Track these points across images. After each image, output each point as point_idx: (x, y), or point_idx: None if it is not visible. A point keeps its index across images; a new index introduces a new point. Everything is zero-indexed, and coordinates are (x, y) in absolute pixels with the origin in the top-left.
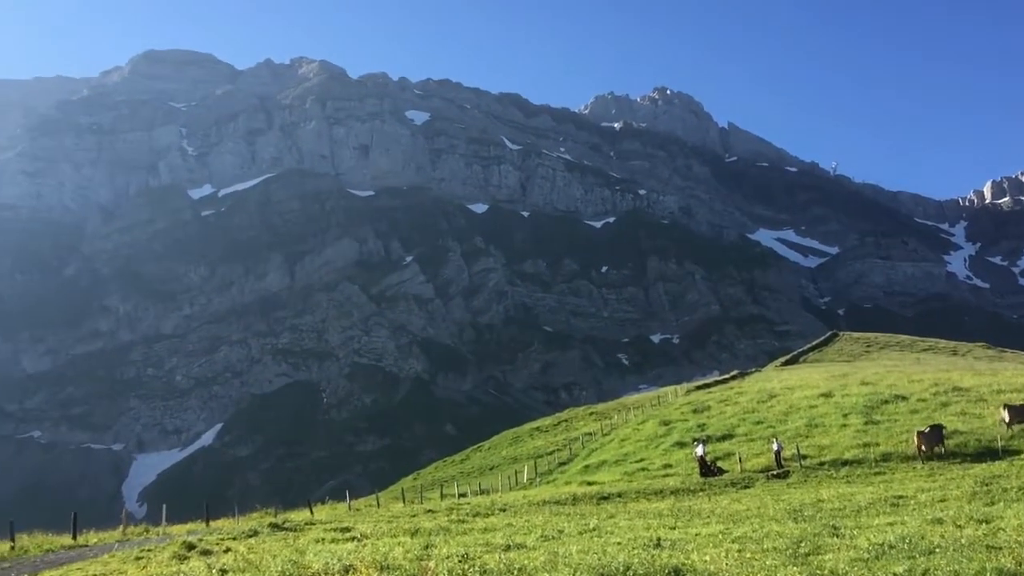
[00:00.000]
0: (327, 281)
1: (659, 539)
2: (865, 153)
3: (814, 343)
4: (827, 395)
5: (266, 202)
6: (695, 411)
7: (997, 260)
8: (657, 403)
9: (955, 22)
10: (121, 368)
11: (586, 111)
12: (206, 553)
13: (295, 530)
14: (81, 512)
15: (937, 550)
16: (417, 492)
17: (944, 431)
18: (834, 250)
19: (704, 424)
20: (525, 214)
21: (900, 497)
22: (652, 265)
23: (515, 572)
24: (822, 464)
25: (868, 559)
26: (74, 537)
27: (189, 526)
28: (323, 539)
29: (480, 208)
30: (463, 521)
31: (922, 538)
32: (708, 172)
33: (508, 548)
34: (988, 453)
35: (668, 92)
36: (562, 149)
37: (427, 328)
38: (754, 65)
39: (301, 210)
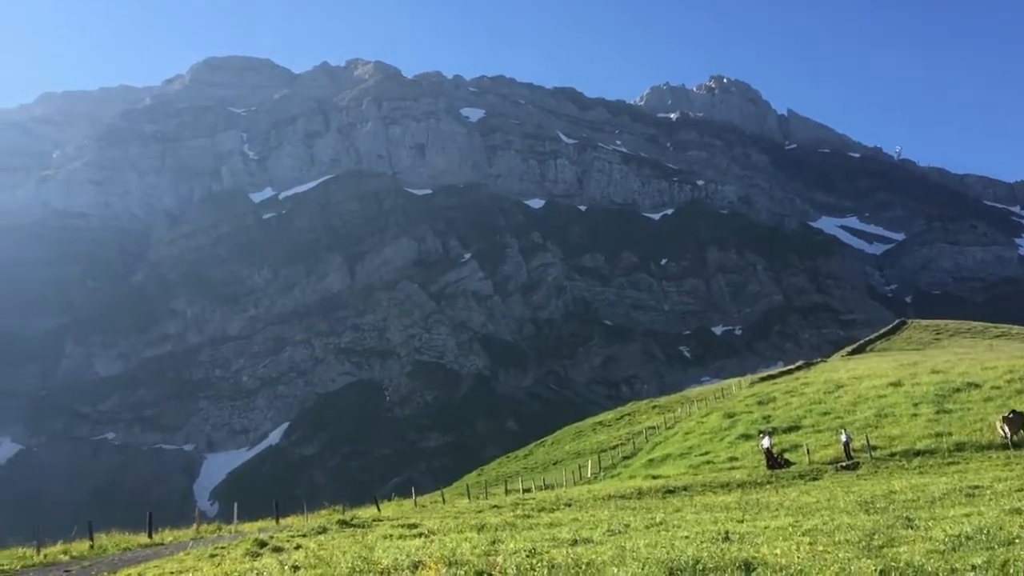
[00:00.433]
0: (387, 280)
1: (727, 532)
2: (930, 136)
3: (881, 331)
4: (896, 384)
5: (325, 203)
6: (760, 403)
7: None
8: (721, 395)
9: None
10: (190, 370)
11: (642, 103)
12: (278, 550)
13: (363, 527)
14: (155, 511)
15: (1016, 541)
16: (481, 488)
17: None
18: (900, 236)
19: (769, 416)
20: (582, 208)
21: (976, 487)
22: (712, 256)
23: (583, 567)
24: (893, 455)
25: (944, 551)
26: (150, 535)
27: (260, 524)
28: (391, 535)
29: (537, 203)
30: (528, 516)
31: (1000, 528)
32: (767, 160)
33: (575, 543)
34: None
35: (725, 80)
36: (618, 142)
37: (487, 325)
38: (813, 50)
39: (360, 210)
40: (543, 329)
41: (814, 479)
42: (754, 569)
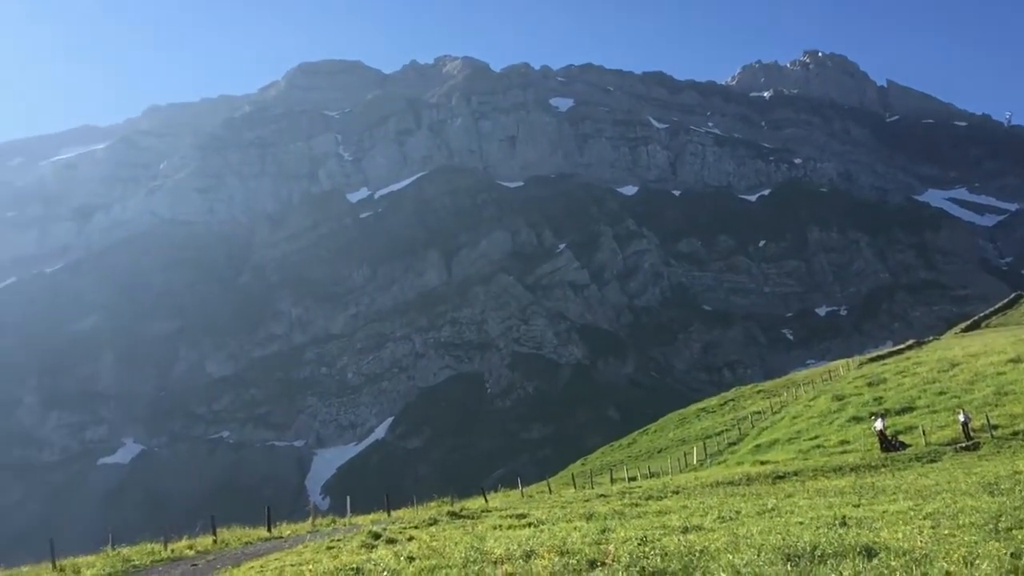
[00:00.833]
0: (483, 274)
1: (844, 517)
2: None
3: (997, 306)
4: (1016, 361)
5: (420, 200)
6: (870, 384)
7: None
8: (828, 378)
9: None
10: (296, 369)
11: (733, 82)
12: (391, 542)
13: (472, 518)
14: (269, 506)
15: None
16: (587, 477)
17: None
18: (1013, 206)
19: (881, 397)
20: (676, 193)
21: None
22: (813, 235)
23: (696, 554)
24: (1015, 434)
25: None
26: (269, 529)
27: (372, 516)
28: (500, 526)
29: (630, 190)
30: (636, 504)
31: None
32: (868, 134)
33: (686, 530)
34: None
35: (819, 55)
36: (711, 124)
37: (584, 314)
38: (911, 17)
39: (453, 205)
40: (641, 316)
41: (932, 461)
42: (876, 554)
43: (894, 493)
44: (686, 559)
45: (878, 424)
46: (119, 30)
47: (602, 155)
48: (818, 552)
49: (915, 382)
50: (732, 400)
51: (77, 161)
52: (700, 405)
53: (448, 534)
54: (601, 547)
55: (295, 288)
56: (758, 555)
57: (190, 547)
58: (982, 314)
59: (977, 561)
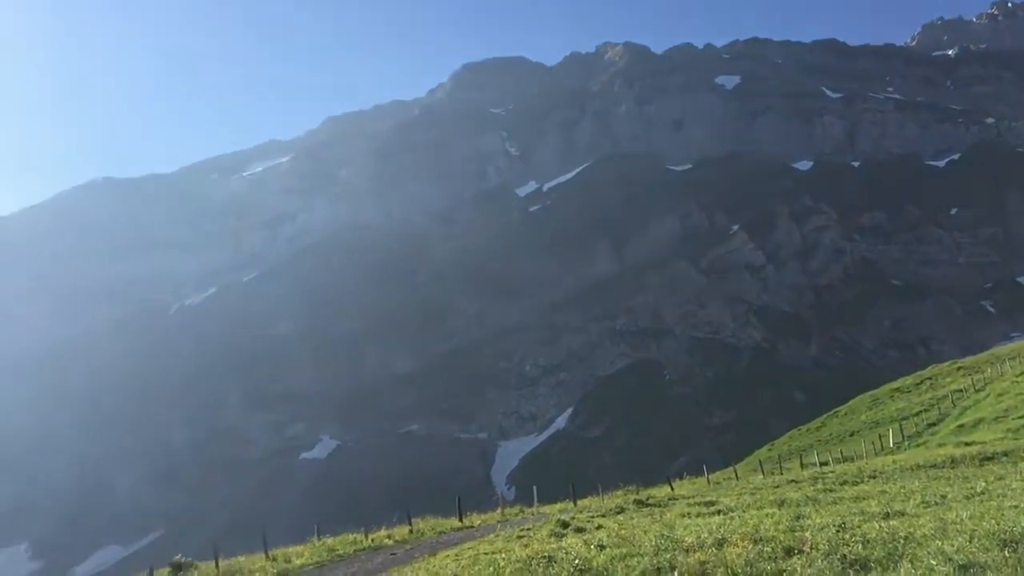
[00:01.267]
0: (655, 260)
1: None
2: None
3: None
4: None
5: (588, 190)
6: None
7: None
8: None
9: None
10: (477, 362)
11: (913, 43)
12: (580, 530)
13: (659, 505)
14: (458, 496)
15: None
16: (774, 463)
17: None
18: None
19: None
20: (855, 164)
21: None
22: (1011, 199)
23: (901, 541)
24: None
25: None
26: (460, 519)
27: (559, 506)
28: (688, 513)
29: (804, 165)
30: (831, 490)
31: None
32: None
33: (887, 516)
34: None
35: (1009, 5)
36: (890, 89)
37: (762, 295)
38: None
39: (621, 193)
40: (822, 295)
41: None
42: None
43: None
44: (890, 546)
45: None
46: (297, 49)
47: (773, 131)
48: None
49: None
50: (929, 378)
51: (264, 175)
52: (893, 385)
53: (636, 522)
54: (796, 534)
55: (471, 284)
56: (970, 541)
57: (388, 536)
58: None
59: None
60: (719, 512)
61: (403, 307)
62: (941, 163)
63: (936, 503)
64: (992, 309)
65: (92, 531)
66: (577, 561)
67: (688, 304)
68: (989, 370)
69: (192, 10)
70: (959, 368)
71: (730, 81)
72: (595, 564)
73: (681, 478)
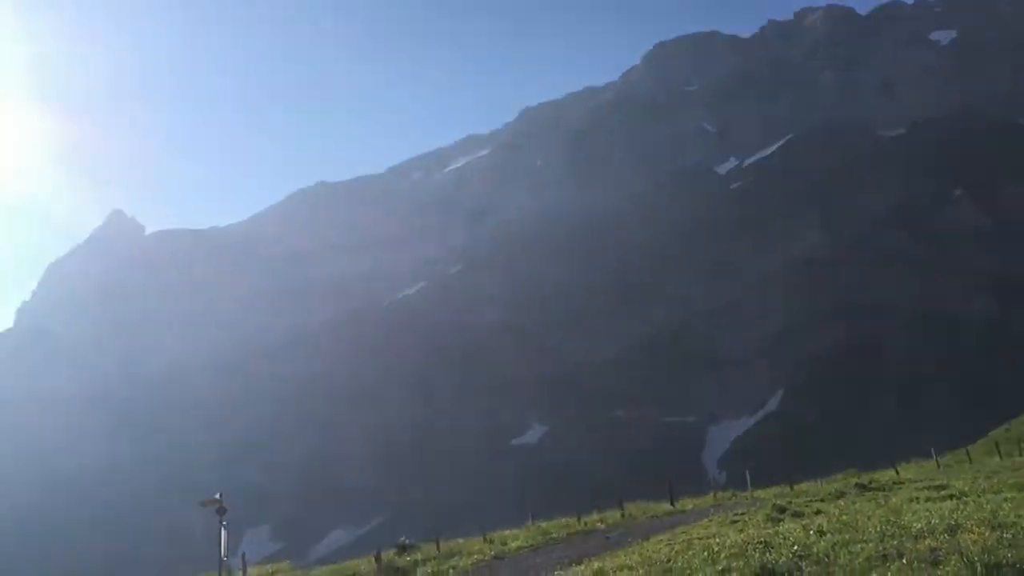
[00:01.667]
0: (869, 232)
1: None
2: None
3: None
4: None
5: (792, 163)
6: None
7: None
8: None
9: None
10: (683, 345)
11: None
12: (797, 515)
13: (883, 490)
14: (667, 481)
15: None
16: (1013, 443)
17: None
18: None
19: None
20: None
21: None
22: None
23: None
24: None
25: None
26: (672, 503)
27: (774, 490)
28: (916, 498)
29: None
30: None
31: None
32: None
33: None
34: None
35: None
36: None
37: (990, 264)
38: None
39: (828, 164)
40: None
41: None
42: None
43: None
44: None
45: None
46: (492, 43)
47: (996, 86)
48: None
49: None
50: None
51: (465, 169)
52: None
53: (858, 507)
54: None
55: (674, 266)
56: None
57: (600, 520)
58: None
59: None
60: (951, 497)
61: (606, 291)
62: None
63: None
64: None
65: (324, 514)
66: (796, 547)
67: (907, 277)
68: None
69: (388, 16)
70: None
71: (945, 36)
72: (815, 550)
73: (907, 461)
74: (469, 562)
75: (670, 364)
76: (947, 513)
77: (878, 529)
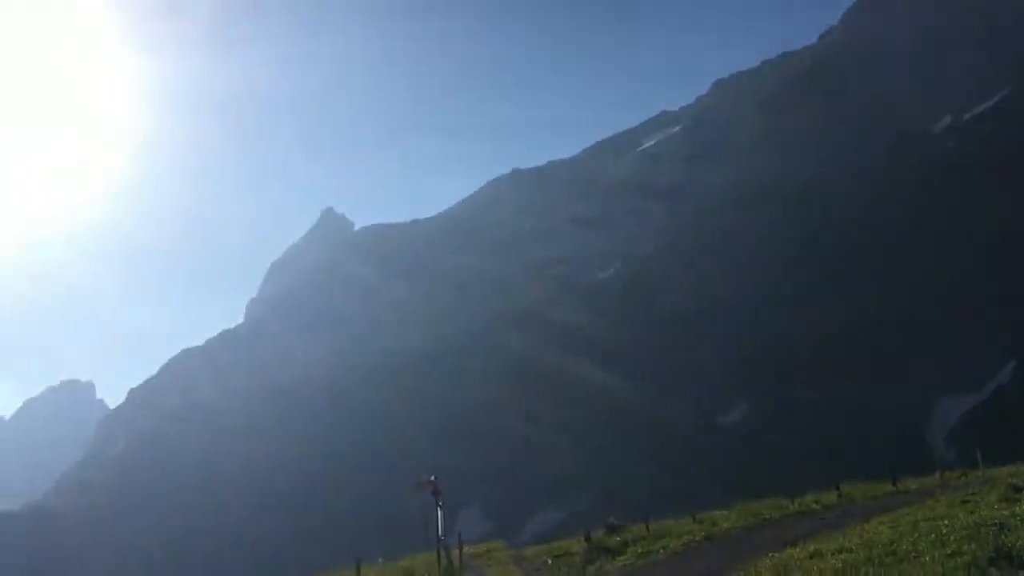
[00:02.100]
0: None
1: None
2: None
3: None
4: None
5: (1017, 115)
6: None
7: None
8: None
9: None
10: (900, 317)
11: None
12: None
13: None
14: (889, 460)
15: None
16: None
17: None
18: None
19: None
20: None
21: None
22: None
23: None
24: None
25: None
26: (894, 484)
27: (1007, 469)
28: None
29: None
30: None
31: None
32: None
33: None
34: None
35: None
36: None
37: None
38: None
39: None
40: None
41: None
42: None
43: None
44: None
45: None
46: (679, 15)
47: None
48: None
49: None
50: None
51: (657, 147)
52: None
53: None
54: None
55: (885, 235)
56: None
57: (816, 501)
58: None
59: None
60: None
61: (811, 266)
62: None
63: None
64: None
65: (531, 496)
66: None
67: None
68: None
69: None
70: None
71: None
72: None
73: None
74: (679, 543)
75: (887, 337)
76: None
77: None
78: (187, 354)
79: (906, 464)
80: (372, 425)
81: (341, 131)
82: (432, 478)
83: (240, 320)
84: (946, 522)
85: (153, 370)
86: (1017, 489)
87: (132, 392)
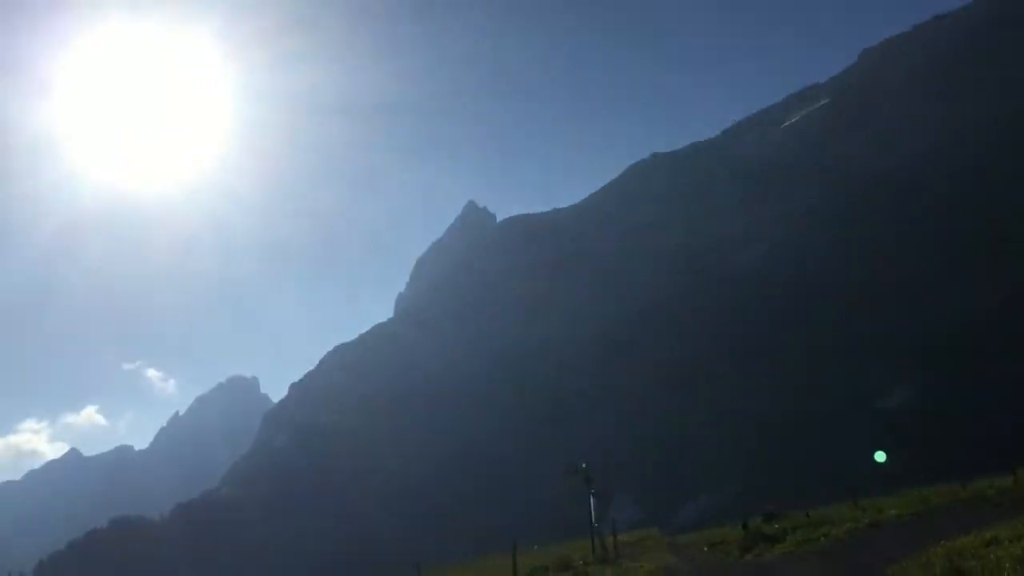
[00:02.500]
0: None
1: None
2: None
3: None
4: None
5: None
6: None
7: None
8: None
9: None
10: None
11: None
12: None
13: None
14: None
15: None
16: None
17: None
18: None
19: None
20: None
21: None
22: None
23: None
24: None
25: None
26: None
27: None
28: None
29: None
30: None
31: None
32: None
33: None
34: None
35: None
36: None
37: None
38: None
39: None
40: None
41: None
42: None
43: None
44: None
45: None
46: None
47: None
48: None
49: None
50: None
51: (803, 123)
52: None
53: None
54: None
55: None
56: None
57: (990, 487)
58: None
59: None
60: None
61: (972, 241)
62: None
63: None
64: None
65: (682, 483)
66: None
67: None
68: None
69: None
70: None
71: None
72: None
73: None
74: (842, 530)
75: None
76: None
77: None
78: (342, 349)
79: None
80: (520, 414)
81: (480, 126)
82: (583, 466)
83: (390, 315)
84: None
85: (311, 365)
86: None
87: (293, 387)
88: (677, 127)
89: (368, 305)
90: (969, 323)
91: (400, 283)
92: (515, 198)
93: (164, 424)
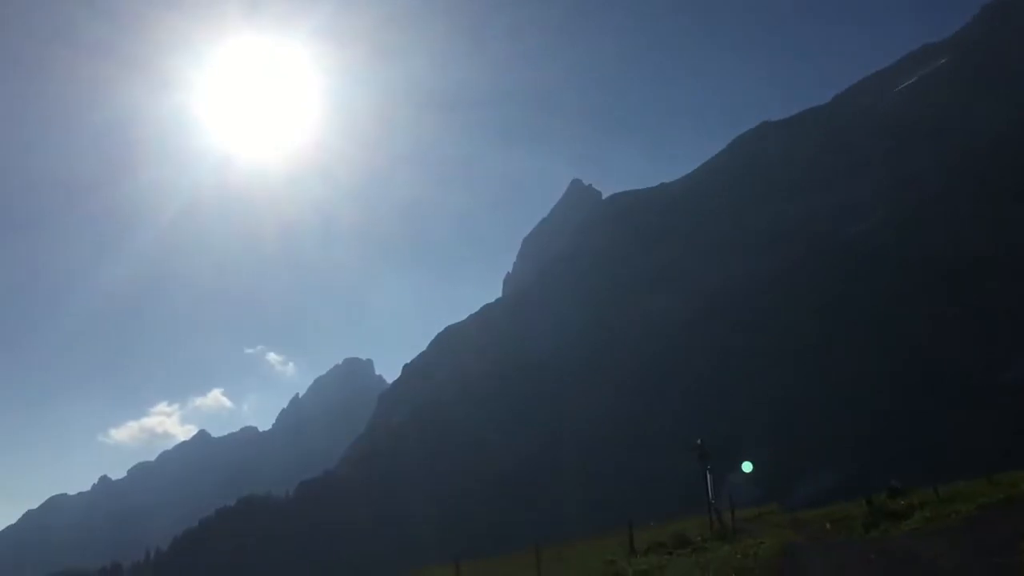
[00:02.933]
0: None
1: None
2: None
3: None
4: None
5: None
6: None
7: None
8: None
9: None
10: None
11: None
12: None
13: None
14: None
15: None
16: None
17: None
18: None
19: None
20: None
21: None
22: None
23: None
24: None
25: None
26: None
27: None
28: None
29: None
30: None
31: None
32: None
33: None
34: None
35: None
36: None
37: None
38: None
39: None
40: None
41: None
42: None
43: None
44: None
45: None
46: None
47: None
48: None
49: None
50: None
51: (920, 84)
52: None
53: None
54: None
55: None
56: None
57: None
58: None
59: None
60: None
61: None
62: None
63: None
64: None
65: (801, 458)
66: None
67: None
68: None
69: None
70: None
71: None
72: None
73: None
74: (973, 506)
75: None
76: None
77: None
78: (452, 330)
79: None
80: (629, 390)
81: (579, 106)
82: (699, 442)
83: (498, 295)
84: None
85: (423, 346)
86: None
87: (406, 367)
88: (787, 95)
89: (475, 288)
90: None
91: (508, 263)
92: (621, 174)
93: (285, 405)
